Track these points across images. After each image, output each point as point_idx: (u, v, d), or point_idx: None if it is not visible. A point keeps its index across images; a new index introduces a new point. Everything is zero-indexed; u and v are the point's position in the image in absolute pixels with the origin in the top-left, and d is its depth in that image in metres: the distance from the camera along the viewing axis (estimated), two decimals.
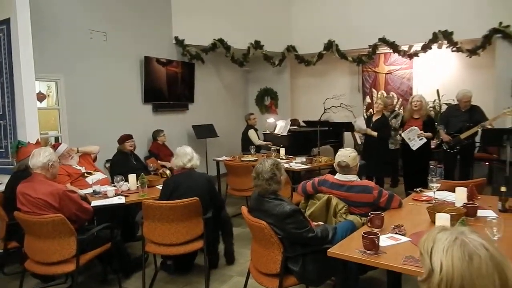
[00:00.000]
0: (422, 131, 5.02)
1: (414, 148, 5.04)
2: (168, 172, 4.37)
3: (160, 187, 3.72)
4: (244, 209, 2.65)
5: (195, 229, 3.10)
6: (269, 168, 2.51)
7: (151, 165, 4.46)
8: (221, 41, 6.90)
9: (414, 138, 5.05)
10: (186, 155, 3.32)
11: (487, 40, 5.94)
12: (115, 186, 3.79)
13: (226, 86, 8.12)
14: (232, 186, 5.02)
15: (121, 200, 3.48)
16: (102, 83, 5.65)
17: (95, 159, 4.62)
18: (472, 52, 6.08)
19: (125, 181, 3.80)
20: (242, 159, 5.44)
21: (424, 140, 5.00)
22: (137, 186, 3.73)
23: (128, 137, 4.85)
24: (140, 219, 3.14)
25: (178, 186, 3.21)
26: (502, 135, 4.26)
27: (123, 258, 3.30)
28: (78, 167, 4.18)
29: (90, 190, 3.73)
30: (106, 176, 4.46)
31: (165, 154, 6.00)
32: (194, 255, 3.54)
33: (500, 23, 5.83)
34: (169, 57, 6.67)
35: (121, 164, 4.66)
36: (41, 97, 5.24)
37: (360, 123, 5.49)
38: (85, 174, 4.15)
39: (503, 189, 2.76)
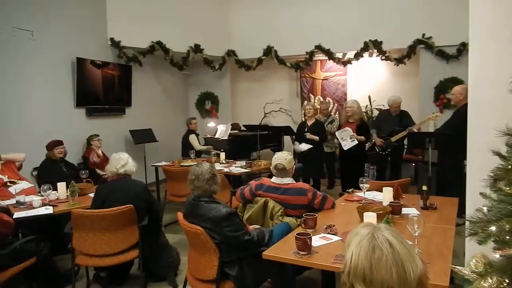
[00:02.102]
0: (354, 133, 5.29)
1: (345, 148, 5.30)
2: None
3: (92, 195, 3.55)
4: (180, 215, 2.60)
5: (130, 237, 2.99)
6: (208, 169, 2.54)
7: (82, 172, 4.16)
8: (159, 43, 6.75)
9: (347, 139, 5.31)
10: (119, 160, 3.19)
11: (412, 50, 6.40)
12: (42, 195, 3.54)
13: (166, 90, 7.95)
14: (171, 192, 4.91)
15: (48, 210, 3.25)
16: (28, 85, 5.26)
17: (20, 168, 4.27)
18: (399, 61, 6.52)
19: (54, 190, 3.57)
20: (182, 164, 5.35)
21: (356, 142, 5.27)
22: (67, 195, 3.52)
23: (58, 143, 4.55)
24: (69, 230, 2.96)
25: (111, 193, 3.08)
26: (425, 138, 4.60)
27: (50, 273, 3.08)
28: (0, 176, 3.85)
29: (13, 201, 3.45)
30: (33, 185, 4.16)
31: (101, 160, 5.71)
32: (130, 265, 3.40)
33: (423, 34, 6.31)
34: (105, 59, 6.39)
35: (50, 171, 4.37)
36: None
37: (302, 146, 5.60)
38: (8, 184, 3.83)
39: (424, 188, 2.98)
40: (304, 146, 5.53)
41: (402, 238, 1.10)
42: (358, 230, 1.12)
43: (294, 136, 6.01)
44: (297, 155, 5.62)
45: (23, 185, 3.91)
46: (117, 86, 6.68)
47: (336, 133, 5.48)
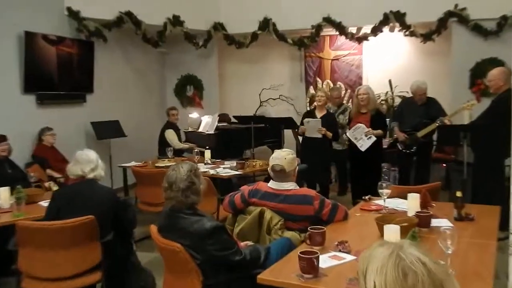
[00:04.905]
0: (369, 129, 5.26)
1: (362, 149, 5.28)
2: (55, 188, 4.11)
3: (44, 203, 3.51)
4: (153, 228, 2.56)
5: (90, 256, 2.95)
6: (185, 175, 2.45)
7: (31, 174, 4.16)
8: (129, 14, 6.69)
9: (362, 137, 5.28)
10: (89, 163, 3.16)
11: (442, 24, 6.42)
12: None
13: (137, 72, 7.90)
14: (143, 199, 4.89)
15: None
16: None
17: None
18: (426, 37, 6.53)
19: None
20: (156, 164, 5.32)
21: (374, 138, 5.24)
22: (11, 203, 3.46)
23: (0, 139, 4.50)
24: (13, 247, 2.91)
25: (73, 199, 3.05)
26: (459, 132, 4.59)
27: None
28: None
29: None
30: None
31: (55, 160, 5.70)
32: None
33: (456, 5, 6.32)
34: (60, 33, 6.33)
35: None
36: None
37: (313, 124, 5.46)
38: None
39: (458, 194, 2.95)
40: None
41: (431, 255, 1.08)
42: (371, 252, 1.09)
43: (297, 130, 5.99)
44: (300, 153, 5.58)
45: None
46: (76, 68, 6.63)
47: (347, 134, 5.46)
